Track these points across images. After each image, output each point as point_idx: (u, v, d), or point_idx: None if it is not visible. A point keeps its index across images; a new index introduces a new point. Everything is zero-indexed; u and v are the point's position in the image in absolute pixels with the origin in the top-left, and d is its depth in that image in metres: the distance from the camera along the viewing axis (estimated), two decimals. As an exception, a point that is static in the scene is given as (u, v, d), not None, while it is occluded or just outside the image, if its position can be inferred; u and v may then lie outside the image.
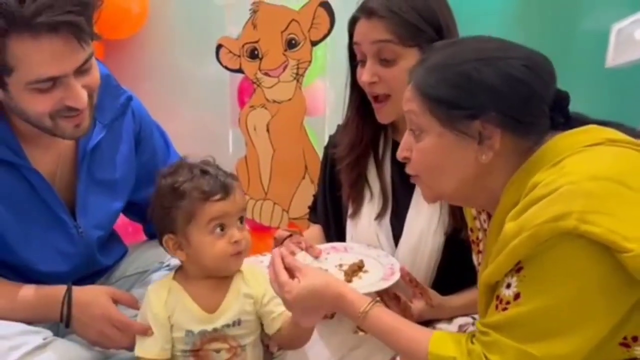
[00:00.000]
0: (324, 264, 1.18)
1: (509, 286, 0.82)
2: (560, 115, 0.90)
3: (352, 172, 1.27)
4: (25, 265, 1.17)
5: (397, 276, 1.11)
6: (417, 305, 1.14)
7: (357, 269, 1.15)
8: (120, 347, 1.15)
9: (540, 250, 0.78)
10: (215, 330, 1.10)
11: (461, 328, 1.13)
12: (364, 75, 1.18)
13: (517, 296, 0.81)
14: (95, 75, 1.08)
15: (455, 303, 1.17)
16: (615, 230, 0.74)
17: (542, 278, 0.79)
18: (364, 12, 1.17)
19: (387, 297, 1.14)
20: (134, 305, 1.18)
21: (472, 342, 0.84)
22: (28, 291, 1.14)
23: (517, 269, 0.81)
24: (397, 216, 1.24)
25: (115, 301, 1.16)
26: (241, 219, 1.12)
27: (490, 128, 0.86)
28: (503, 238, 0.82)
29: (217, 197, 1.08)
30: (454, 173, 0.89)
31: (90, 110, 1.09)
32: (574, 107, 0.94)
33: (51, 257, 1.18)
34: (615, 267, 0.75)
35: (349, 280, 1.13)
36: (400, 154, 0.94)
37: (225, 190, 1.09)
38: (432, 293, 1.16)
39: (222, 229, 1.09)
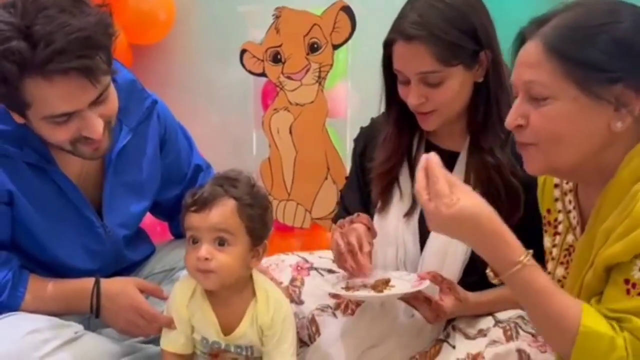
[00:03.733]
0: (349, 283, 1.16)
1: None
2: None
3: (384, 179, 1.25)
4: (57, 262, 1.21)
5: (427, 282, 1.10)
6: (447, 302, 1.12)
7: (384, 283, 1.14)
8: (147, 335, 1.19)
9: None
10: (228, 346, 1.11)
11: (481, 332, 1.11)
12: (412, 99, 1.15)
13: None
14: (111, 105, 1.10)
15: (480, 299, 1.15)
16: None
17: None
18: (402, 35, 1.12)
19: (417, 302, 1.13)
20: (160, 295, 1.21)
21: (621, 329, 0.80)
22: (58, 285, 1.18)
23: None
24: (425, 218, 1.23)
25: (142, 291, 1.19)
26: (221, 241, 1.06)
27: (630, 94, 0.82)
28: (636, 216, 0.79)
29: (192, 208, 1.07)
30: (580, 142, 0.84)
31: (109, 134, 1.12)
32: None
33: (80, 255, 1.21)
34: None
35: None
36: (513, 122, 0.87)
37: (200, 204, 1.06)
38: (459, 287, 1.15)
39: (194, 242, 1.08)
